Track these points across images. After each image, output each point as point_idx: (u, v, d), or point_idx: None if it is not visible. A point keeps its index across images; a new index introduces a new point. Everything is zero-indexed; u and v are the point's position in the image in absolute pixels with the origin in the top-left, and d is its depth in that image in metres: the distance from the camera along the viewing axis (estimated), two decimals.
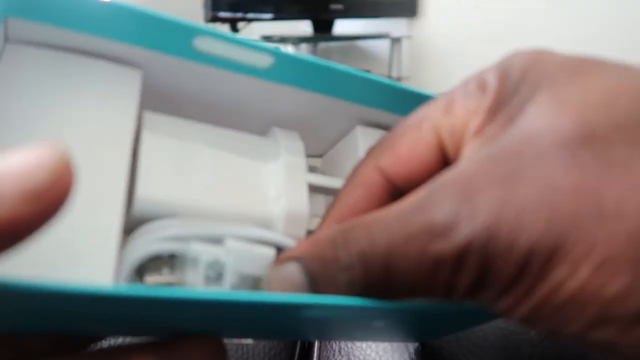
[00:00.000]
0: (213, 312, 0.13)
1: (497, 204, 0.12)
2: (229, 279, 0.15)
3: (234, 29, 1.48)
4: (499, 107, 0.14)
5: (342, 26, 1.66)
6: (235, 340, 0.31)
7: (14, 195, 0.09)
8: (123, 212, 0.15)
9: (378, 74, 0.24)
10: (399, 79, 1.69)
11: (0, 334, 0.14)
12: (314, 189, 0.20)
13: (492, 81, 0.15)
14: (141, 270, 0.15)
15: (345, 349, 0.31)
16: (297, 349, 0.33)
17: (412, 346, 0.31)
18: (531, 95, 0.13)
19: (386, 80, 0.19)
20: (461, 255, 0.12)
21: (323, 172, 0.24)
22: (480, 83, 0.15)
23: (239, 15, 1.45)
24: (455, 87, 0.16)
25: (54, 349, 0.15)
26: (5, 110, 0.14)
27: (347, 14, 1.58)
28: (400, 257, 0.13)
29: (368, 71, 0.21)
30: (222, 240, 0.16)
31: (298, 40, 1.51)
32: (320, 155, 0.24)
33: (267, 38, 1.53)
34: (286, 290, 0.15)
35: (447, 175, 0.13)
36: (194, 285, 0.15)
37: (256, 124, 0.20)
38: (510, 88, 0.14)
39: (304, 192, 0.19)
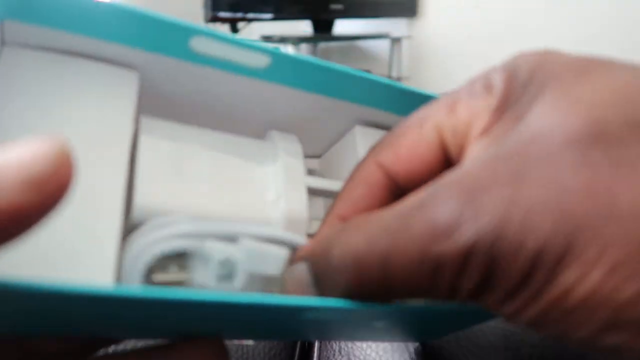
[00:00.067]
0: (214, 313, 0.13)
1: (504, 204, 0.11)
2: (239, 278, 0.15)
3: (234, 29, 1.48)
4: (505, 107, 0.14)
5: (342, 26, 1.66)
6: (236, 341, 0.31)
7: (17, 184, 0.09)
8: (123, 212, 0.15)
9: (378, 74, 0.23)
10: (399, 79, 1.69)
11: (1, 333, 0.14)
12: (313, 192, 0.20)
13: (498, 81, 0.14)
14: (148, 269, 0.15)
15: (346, 349, 0.31)
16: (297, 349, 0.33)
17: (412, 346, 0.31)
18: (538, 95, 0.13)
19: (386, 80, 0.19)
20: (464, 257, 0.12)
21: (322, 173, 0.24)
22: (486, 83, 0.15)
23: (239, 15, 1.45)
24: (459, 88, 0.16)
25: (62, 353, 0.15)
26: (2, 112, 0.14)
27: (347, 14, 1.58)
28: (399, 258, 0.13)
29: (368, 71, 0.21)
30: (236, 238, 0.16)
31: (298, 41, 1.51)
32: (318, 156, 0.24)
33: (267, 38, 1.53)
34: (298, 290, 0.15)
35: (451, 176, 0.13)
36: (203, 283, 0.15)
37: (254, 124, 0.20)
38: (517, 88, 0.14)
39: (303, 195, 0.19)
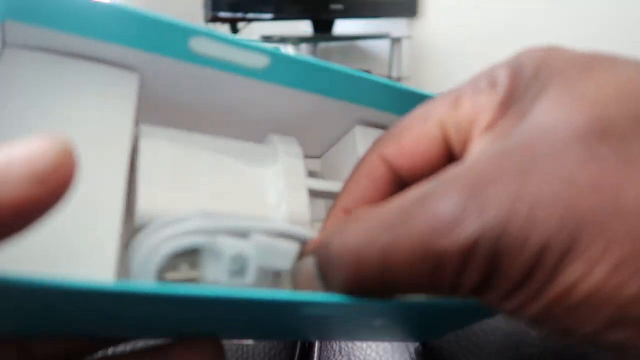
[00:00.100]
0: (214, 311, 0.13)
1: (508, 199, 0.11)
2: (250, 273, 0.15)
3: (234, 29, 1.48)
4: (510, 102, 0.14)
5: (342, 26, 1.67)
6: (236, 341, 0.31)
7: (22, 178, 0.09)
8: (123, 212, 0.15)
9: (378, 74, 0.24)
10: (399, 79, 1.69)
11: (1, 333, 0.14)
12: (314, 194, 0.20)
13: (503, 77, 0.14)
14: (160, 269, 0.15)
15: (346, 349, 0.31)
16: (297, 349, 0.33)
17: (412, 346, 0.31)
18: (543, 91, 0.13)
19: (386, 81, 0.19)
20: (467, 252, 0.12)
21: (322, 174, 0.24)
22: (490, 79, 0.15)
23: (239, 15, 1.45)
24: (463, 84, 0.16)
25: (62, 354, 0.15)
26: (3, 113, 0.14)
27: (347, 14, 1.58)
28: (399, 252, 0.12)
29: (368, 71, 0.21)
30: (247, 234, 0.16)
31: (298, 41, 1.51)
32: (318, 156, 0.24)
33: (267, 38, 1.53)
34: (306, 284, 0.15)
35: (454, 170, 0.13)
36: (215, 279, 0.15)
37: (253, 125, 0.20)
38: (522, 84, 0.14)
39: (304, 198, 0.19)
